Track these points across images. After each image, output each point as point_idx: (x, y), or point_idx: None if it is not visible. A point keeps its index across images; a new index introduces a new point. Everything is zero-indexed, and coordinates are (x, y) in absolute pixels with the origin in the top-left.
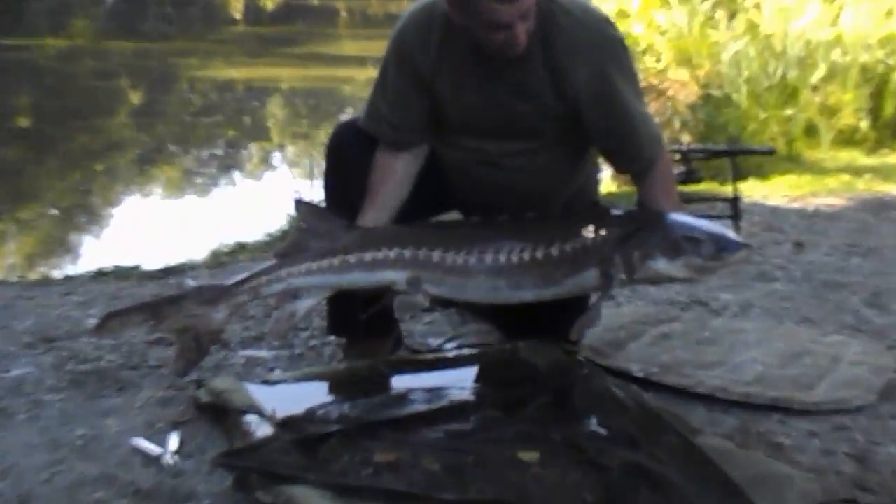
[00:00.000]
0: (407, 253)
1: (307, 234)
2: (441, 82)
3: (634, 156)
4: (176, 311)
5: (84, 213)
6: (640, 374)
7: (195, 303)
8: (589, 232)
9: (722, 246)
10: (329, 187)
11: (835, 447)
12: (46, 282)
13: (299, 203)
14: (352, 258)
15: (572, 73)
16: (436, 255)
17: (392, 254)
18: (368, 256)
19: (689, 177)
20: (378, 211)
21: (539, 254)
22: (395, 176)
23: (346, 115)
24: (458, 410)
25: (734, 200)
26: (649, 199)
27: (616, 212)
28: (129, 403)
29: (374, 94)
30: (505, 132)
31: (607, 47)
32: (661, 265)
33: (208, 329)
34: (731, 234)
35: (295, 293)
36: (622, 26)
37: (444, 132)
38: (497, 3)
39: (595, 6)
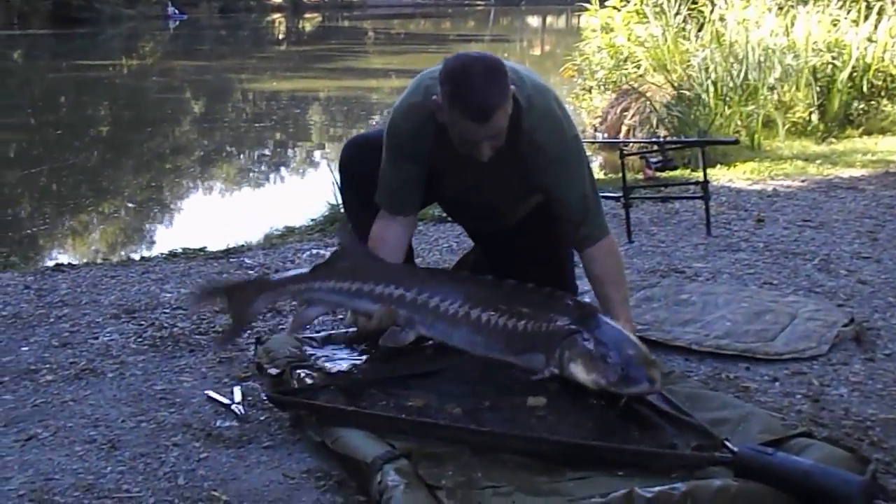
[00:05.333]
0: (408, 295)
1: (340, 255)
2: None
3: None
4: (241, 294)
5: (156, 204)
6: None
7: (253, 289)
8: (544, 320)
9: (625, 377)
10: (346, 204)
11: (793, 390)
12: (127, 263)
13: (340, 229)
14: (365, 287)
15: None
16: (432, 302)
17: (396, 292)
18: (378, 290)
19: (666, 164)
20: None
21: (510, 324)
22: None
23: (367, 124)
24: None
25: (704, 183)
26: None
27: (571, 303)
28: (200, 363)
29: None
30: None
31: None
32: (580, 375)
33: (253, 311)
34: (642, 365)
35: (313, 302)
36: (605, 39)
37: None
38: (471, 122)
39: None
